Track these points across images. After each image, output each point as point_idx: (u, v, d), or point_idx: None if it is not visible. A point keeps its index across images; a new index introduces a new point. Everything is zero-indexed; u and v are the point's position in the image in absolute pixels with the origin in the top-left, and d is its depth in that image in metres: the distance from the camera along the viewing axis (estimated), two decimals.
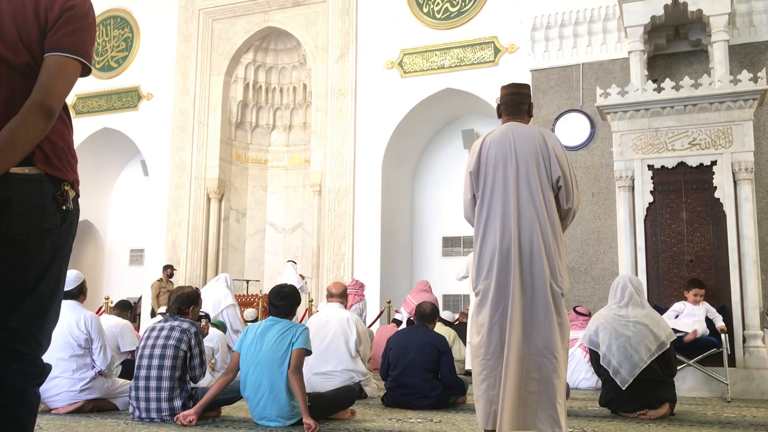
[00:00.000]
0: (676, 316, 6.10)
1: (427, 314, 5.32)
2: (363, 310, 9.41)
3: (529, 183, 3.16)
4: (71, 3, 1.85)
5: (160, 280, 10.96)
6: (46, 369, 1.88)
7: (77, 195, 1.93)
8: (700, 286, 6.12)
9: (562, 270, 3.16)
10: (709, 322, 6.06)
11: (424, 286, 8.85)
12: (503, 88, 3.46)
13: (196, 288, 4.89)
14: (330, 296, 5.64)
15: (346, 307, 5.68)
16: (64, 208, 1.84)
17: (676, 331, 5.46)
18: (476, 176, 3.31)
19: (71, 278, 4.81)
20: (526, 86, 3.50)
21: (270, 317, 4.28)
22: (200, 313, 5.81)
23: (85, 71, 1.90)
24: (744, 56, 8.28)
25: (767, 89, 6.62)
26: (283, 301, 4.26)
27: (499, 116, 3.44)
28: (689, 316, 6.04)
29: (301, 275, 10.76)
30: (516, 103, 3.38)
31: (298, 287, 9.97)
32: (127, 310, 6.13)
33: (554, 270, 3.12)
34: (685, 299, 6.17)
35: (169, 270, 11.17)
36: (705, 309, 6.08)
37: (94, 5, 1.97)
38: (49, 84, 1.77)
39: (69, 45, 1.82)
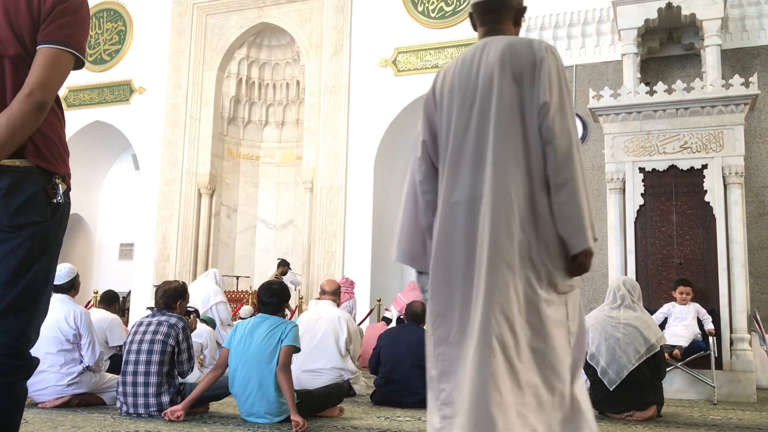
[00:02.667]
0: (665, 319, 6.14)
1: (418, 314, 5.34)
2: (353, 308, 9.41)
3: (497, 118, 2.30)
4: None
5: (277, 276, 10.08)
6: (34, 362, 1.87)
7: (68, 188, 1.92)
8: (685, 284, 6.18)
9: None
10: (700, 324, 6.12)
11: (415, 286, 8.85)
12: None
13: (183, 282, 4.87)
14: (322, 293, 5.64)
15: (338, 305, 5.68)
16: (54, 201, 1.83)
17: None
18: (427, 120, 2.45)
19: (64, 272, 4.78)
20: None
21: (259, 314, 4.28)
22: (189, 308, 5.79)
23: (79, 64, 1.89)
24: (736, 61, 8.32)
25: (758, 94, 6.66)
26: (272, 298, 4.26)
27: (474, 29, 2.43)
28: (679, 320, 6.08)
29: (292, 272, 10.73)
30: (491, 10, 2.32)
31: (289, 282, 9.99)
32: (114, 302, 6.01)
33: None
34: (674, 300, 6.22)
35: (283, 267, 10.33)
36: (695, 310, 6.13)
37: None
38: (41, 76, 1.76)
39: (61, 37, 1.81)
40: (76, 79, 13.00)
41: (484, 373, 1.93)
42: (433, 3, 10.95)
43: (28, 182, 1.78)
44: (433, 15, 10.91)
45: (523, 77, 2.07)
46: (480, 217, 2.03)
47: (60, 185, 1.84)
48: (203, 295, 7.75)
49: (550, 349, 2.00)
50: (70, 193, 1.96)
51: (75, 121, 12.83)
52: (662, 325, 6.05)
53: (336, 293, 5.65)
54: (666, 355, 5.52)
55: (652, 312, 6.01)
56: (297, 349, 4.17)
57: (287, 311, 7.47)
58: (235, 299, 9.89)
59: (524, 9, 2.34)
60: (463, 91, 2.15)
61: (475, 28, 2.36)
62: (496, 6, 2.27)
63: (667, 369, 5.46)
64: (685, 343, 5.92)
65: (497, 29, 2.26)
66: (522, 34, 7.84)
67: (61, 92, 12.94)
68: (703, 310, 6.15)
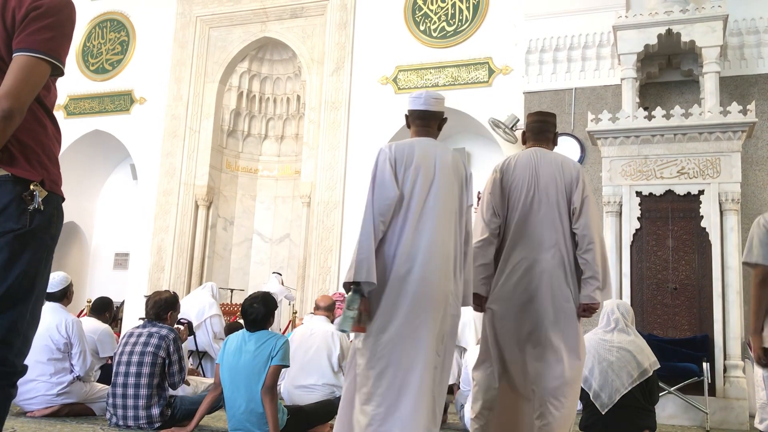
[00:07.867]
0: None
1: None
2: None
3: (549, 207, 3.41)
4: (38, 3, 1.81)
5: None
6: (17, 369, 1.83)
7: (56, 194, 1.88)
8: None
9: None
10: None
11: None
12: (530, 115, 3.75)
13: (174, 293, 4.83)
14: (316, 309, 5.62)
15: (332, 321, 5.65)
16: (30, 208, 1.79)
17: None
18: (500, 197, 3.53)
19: (57, 280, 4.75)
20: (553, 116, 3.77)
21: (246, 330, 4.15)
22: (182, 320, 5.75)
23: (57, 71, 1.85)
24: (734, 88, 8.37)
25: (756, 122, 6.70)
26: (255, 311, 4.05)
27: (524, 142, 3.76)
28: None
29: (286, 286, 10.70)
30: (542, 130, 3.64)
31: (283, 296, 9.94)
32: (105, 311, 5.81)
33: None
34: None
35: None
36: None
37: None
38: (9, 85, 1.73)
39: (33, 44, 1.78)
40: (76, 87, 13.03)
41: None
42: (435, 23, 11.02)
43: (2, 191, 1.75)
44: (434, 34, 10.98)
45: (568, 187, 3.43)
46: (538, 274, 3.31)
47: (38, 192, 1.81)
48: (198, 307, 7.71)
49: None
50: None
51: (74, 129, 12.83)
52: None
53: (330, 309, 5.62)
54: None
55: (646, 336, 5.99)
56: (286, 366, 4.09)
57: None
58: (229, 312, 9.84)
59: (558, 134, 3.76)
60: (527, 186, 3.45)
61: (525, 137, 3.71)
62: (545, 129, 3.64)
63: (660, 394, 5.44)
64: None
65: (544, 144, 3.61)
66: (522, 56, 8.14)
67: (61, 100, 12.98)
68: None
